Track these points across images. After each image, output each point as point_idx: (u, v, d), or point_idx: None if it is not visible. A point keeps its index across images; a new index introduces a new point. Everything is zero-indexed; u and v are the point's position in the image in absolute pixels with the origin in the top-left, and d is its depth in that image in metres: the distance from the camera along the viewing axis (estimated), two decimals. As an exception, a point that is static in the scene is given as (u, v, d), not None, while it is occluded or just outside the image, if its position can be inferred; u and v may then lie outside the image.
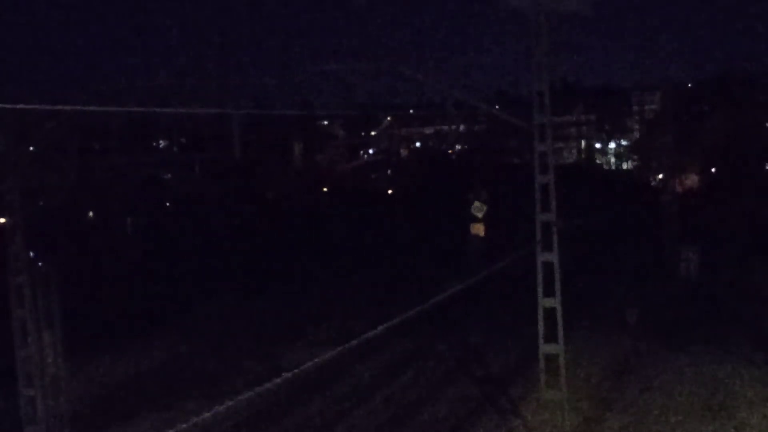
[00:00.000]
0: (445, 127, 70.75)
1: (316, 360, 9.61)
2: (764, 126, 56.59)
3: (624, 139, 79.54)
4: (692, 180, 57.78)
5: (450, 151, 68.34)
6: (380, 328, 10.07)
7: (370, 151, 75.25)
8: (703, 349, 22.93)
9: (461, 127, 67.13)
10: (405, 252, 39.59)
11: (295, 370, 8.56)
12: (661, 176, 48.01)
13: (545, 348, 16.50)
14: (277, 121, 50.67)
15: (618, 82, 76.62)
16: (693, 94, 61.95)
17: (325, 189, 56.21)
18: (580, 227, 33.54)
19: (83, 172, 38.57)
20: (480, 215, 32.72)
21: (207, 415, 7.50)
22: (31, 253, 17.52)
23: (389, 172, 65.60)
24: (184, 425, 7.32)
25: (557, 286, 16.19)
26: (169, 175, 51.45)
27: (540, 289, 16.35)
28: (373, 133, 76.66)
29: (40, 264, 18.03)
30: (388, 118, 72.65)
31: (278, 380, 8.27)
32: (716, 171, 55.58)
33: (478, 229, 33.14)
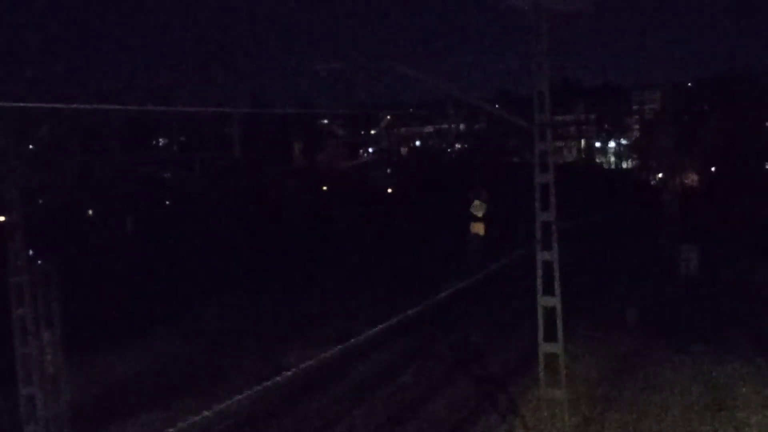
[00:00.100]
0: (445, 126, 70.76)
1: (317, 359, 9.61)
2: (764, 125, 56.60)
3: (624, 139, 79.59)
4: (692, 179, 57.77)
5: (449, 150, 68.35)
6: (380, 327, 10.06)
7: (370, 150, 75.25)
8: (702, 349, 22.93)
9: (461, 126, 67.13)
10: (405, 251, 39.59)
11: (296, 369, 8.55)
12: (661, 175, 48.02)
13: (545, 347, 16.48)
14: (277, 121, 50.68)
15: (618, 82, 76.65)
16: (693, 93, 61.96)
17: (324, 188, 56.20)
18: (580, 226, 33.54)
19: (83, 170, 38.57)
20: (480, 214, 32.72)
21: (207, 413, 7.50)
22: (31, 252, 17.51)
23: (389, 171, 65.60)
24: (184, 424, 7.32)
25: (557, 285, 16.18)
26: (169, 174, 51.44)
27: (540, 289, 16.34)
28: (372, 132, 76.66)
29: (39, 263, 18.02)
30: (388, 117, 72.67)
31: (278, 379, 8.27)
32: (716, 170, 55.59)
33: (478, 228, 33.15)
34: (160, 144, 56.28)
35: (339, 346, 9.51)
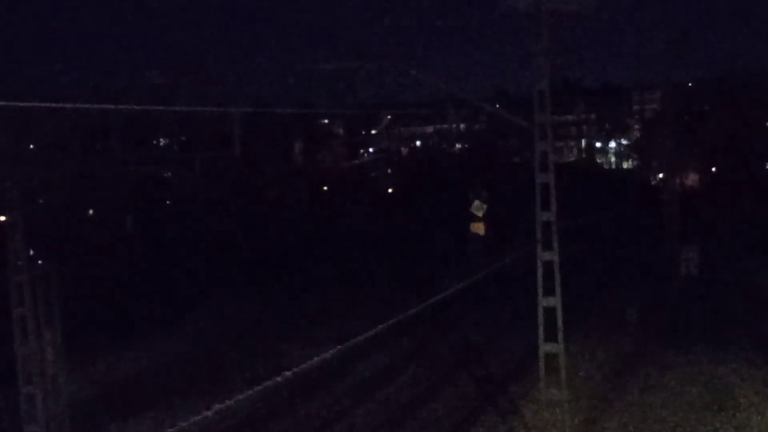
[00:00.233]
0: (446, 126, 70.72)
1: (317, 359, 9.62)
2: (764, 126, 56.55)
3: (624, 139, 79.57)
4: (692, 179, 57.76)
5: (450, 150, 68.33)
6: (380, 327, 10.07)
7: (371, 150, 75.22)
8: (703, 349, 22.94)
9: (461, 126, 67.08)
10: (405, 251, 39.58)
11: (296, 369, 8.56)
12: (661, 175, 48.00)
13: (545, 347, 16.48)
14: (278, 120, 50.62)
15: (618, 82, 76.62)
16: (693, 93, 61.91)
17: (325, 188, 56.17)
18: (581, 226, 33.49)
19: (83, 170, 38.55)
20: (480, 214, 32.64)
21: (208, 413, 7.50)
22: (31, 252, 17.51)
23: (389, 171, 65.56)
24: (185, 423, 7.32)
25: (557, 285, 16.18)
26: (169, 174, 51.39)
27: (540, 289, 16.33)
28: (373, 132, 76.62)
29: (40, 262, 18.03)
30: (389, 117, 72.61)
31: (279, 379, 8.27)
32: (716, 170, 55.58)
33: (479, 228, 33.06)
34: (161, 144, 56.21)
35: (339, 346, 9.52)
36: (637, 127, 75.36)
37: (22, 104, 14.88)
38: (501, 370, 22.58)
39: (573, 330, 21.70)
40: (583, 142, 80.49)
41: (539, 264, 16.25)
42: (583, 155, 79.03)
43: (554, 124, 17.54)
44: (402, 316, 10.53)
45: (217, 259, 37.30)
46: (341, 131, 72.75)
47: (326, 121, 69.09)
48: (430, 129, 76.72)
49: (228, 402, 7.84)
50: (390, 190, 59.05)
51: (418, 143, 78.00)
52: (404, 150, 76.01)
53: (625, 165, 78.72)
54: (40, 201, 33.77)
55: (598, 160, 79.91)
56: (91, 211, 41.81)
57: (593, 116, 79.05)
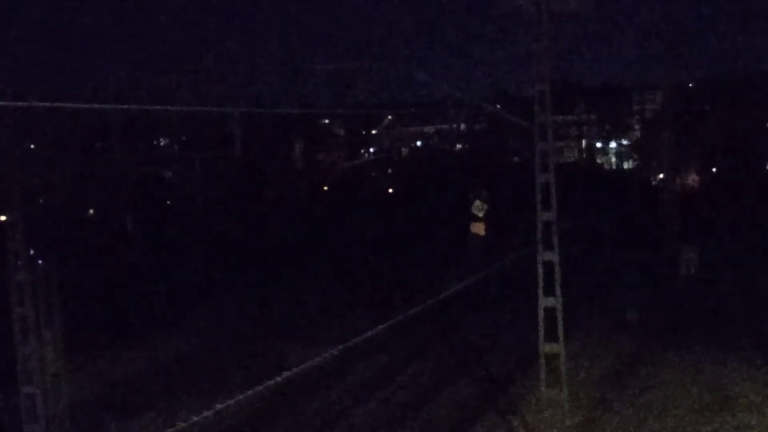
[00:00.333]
0: (446, 126, 70.75)
1: (317, 359, 9.62)
2: (765, 126, 56.55)
3: (625, 139, 79.56)
4: (693, 179, 57.76)
5: (450, 151, 68.33)
6: (380, 327, 10.07)
7: (371, 150, 75.19)
8: (703, 349, 22.93)
9: (462, 126, 67.08)
10: (405, 251, 39.57)
11: (296, 369, 8.55)
12: (661, 176, 48.02)
13: (545, 347, 16.48)
14: (278, 120, 50.62)
15: (619, 82, 76.65)
16: (694, 93, 61.91)
17: (325, 188, 56.17)
18: (581, 226, 33.51)
19: (83, 170, 38.56)
20: (480, 214, 32.62)
21: (208, 413, 7.50)
22: (32, 252, 17.51)
23: (390, 171, 65.55)
24: (185, 423, 7.32)
25: (557, 285, 16.18)
26: (170, 174, 51.38)
27: (540, 289, 16.33)
28: (374, 132, 76.59)
29: (40, 262, 18.03)
30: (389, 117, 72.59)
31: (279, 379, 8.27)
32: (717, 170, 55.58)
33: (479, 229, 33.02)
34: (161, 144, 56.20)
35: (339, 346, 9.52)
36: (637, 127, 75.39)
37: (22, 104, 14.89)
38: (501, 370, 22.57)
39: (573, 330, 21.70)
40: (584, 142, 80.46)
41: (539, 264, 16.26)
42: (584, 155, 79.00)
43: (554, 124, 17.55)
44: (402, 316, 10.53)
45: (217, 259, 37.29)
46: (342, 131, 72.71)
47: (327, 121, 69.06)
48: (430, 129, 76.71)
49: (229, 402, 7.84)
50: (390, 190, 59.05)
51: (418, 143, 77.98)
52: (405, 150, 75.98)
53: (625, 165, 78.72)
54: (41, 201, 33.79)
55: (599, 161, 79.90)
56: (91, 211, 41.82)
57: (593, 116, 79.03)
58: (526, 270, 17.84)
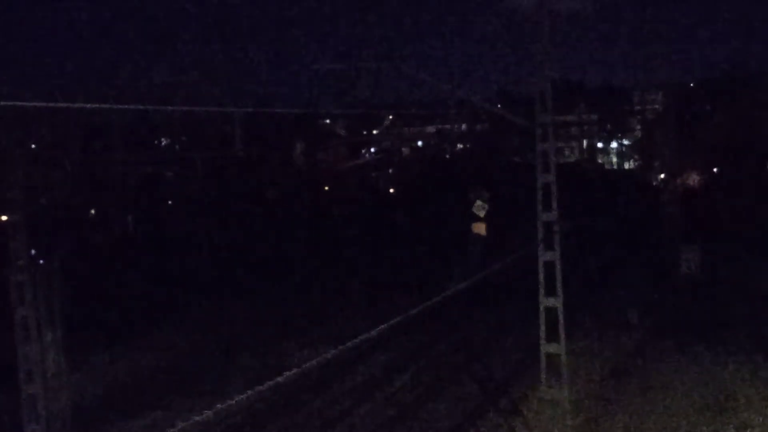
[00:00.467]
0: (447, 127, 70.76)
1: (317, 359, 9.61)
2: (766, 125, 56.52)
3: (626, 139, 79.59)
4: (694, 179, 57.73)
5: (451, 151, 68.36)
6: (381, 327, 10.05)
7: (372, 150, 75.22)
8: (704, 349, 22.89)
9: (463, 127, 67.10)
10: (406, 251, 39.57)
11: (296, 369, 8.54)
12: (662, 176, 47.99)
13: (547, 347, 16.48)
14: (279, 120, 50.65)
15: (620, 82, 76.77)
16: (695, 93, 61.91)
17: (326, 188, 56.20)
18: (582, 227, 33.48)
19: (85, 170, 38.59)
20: (482, 214, 32.57)
21: (208, 413, 7.49)
22: (33, 252, 17.52)
23: (391, 171, 65.60)
24: (185, 423, 7.31)
25: (559, 285, 16.17)
26: (171, 174, 51.41)
27: (541, 289, 16.33)
28: (374, 132, 76.62)
29: (41, 262, 18.04)
30: (390, 117, 72.62)
31: (279, 379, 8.25)
32: (718, 170, 55.55)
33: (480, 229, 32.96)
34: (162, 144, 56.22)
35: (340, 346, 9.50)
36: (638, 127, 75.39)
37: (22, 104, 14.90)
38: (502, 370, 22.57)
39: (574, 330, 21.74)
40: (585, 142, 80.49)
41: (541, 264, 16.25)
42: (585, 156, 79.04)
43: (556, 124, 17.54)
44: (403, 316, 10.50)
45: (218, 259, 37.30)
46: (342, 131, 72.78)
47: (327, 121, 69.12)
48: (431, 129, 76.73)
49: (229, 402, 7.82)
50: (391, 191, 59.09)
51: (419, 143, 78.01)
52: (405, 150, 76.02)
53: (626, 165, 78.74)
54: (42, 201, 33.81)
55: (600, 161, 79.93)
56: (92, 211, 41.86)
57: (594, 116, 79.06)
58: (527, 270, 17.82)
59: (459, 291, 13.11)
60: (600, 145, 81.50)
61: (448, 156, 67.20)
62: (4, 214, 16.88)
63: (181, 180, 47.55)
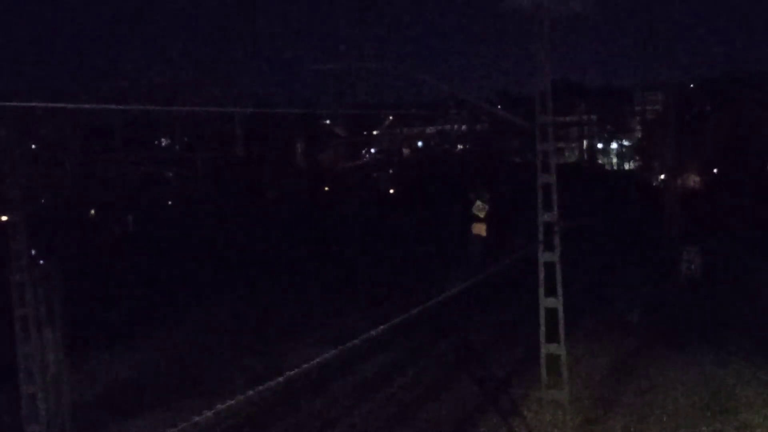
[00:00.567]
0: (447, 127, 70.83)
1: (318, 359, 9.60)
2: (766, 125, 56.55)
3: (626, 139, 79.59)
4: (694, 180, 57.76)
5: (451, 151, 68.39)
6: (381, 327, 10.05)
7: (372, 151, 75.24)
8: (704, 350, 22.89)
9: (463, 127, 67.16)
10: (406, 251, 39.57)
11: (297, 369, 8.54)
12: (663, 176, 48.00)
13: (547, 348, 16.47)
14: (279, 120, 50.69)
15: (620, 83, 76.84)
16: (695, 94, 61.93)
17: (326, 188, 56.24)
18: (582, 227, 33.45)
19: (85, 170, 38.62)
20: (482, 215, 32.57)
21: (208, 413, 7.49)
22: (33, 252, 17.51)
23: (391, 171, 65.61)
24: (186, 424, 7.31)
25: (559, 286, 16.16)
26: (171, 174, 51.45)
27: (542, 289, 16.32)
28: (375, 133, 76.63)
29: (41, 262, 18.03)
30: (390, 118, 72.63)
31: (279, 379, 8.25)
32: (718, 171, 55.57)
33: (480, 229, 32.97)
34: (162, 144, 56.28)
35: (340, 346, 9.51)
36: (638, 128, 75.42)
37: (22, 104, 14.90)
38: (502, 370, 22.56)
39: (574, 331, 21.72)
40: (585, 143, 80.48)
41: (541, 265, 16.25)
42: (585, 156, 79.04)
43: (556, 124, 17.54)
44: (403, 316, 10.51)
45: (218, 259, 37.29)
46: (343, 132, 72.81)
47: (328, 121, 69.14)
48: (431, 129, 76.78)
49: (229, 402, 7.82)
50: (391, 191, 59.10)
51: (419, 144, 78.04)
52: (406, 150, 76.05)
53: (626, 166, 78.74)
54: (42, 201, 33.83)
55: (600, 161, 79.93)
56: (92, 211, 41.87)
57: (595, 117, 79.07)
58: (527, 271, 17.82)
59: (459, 291, 13.11)
60: (600, 145, 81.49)
61: (448, 156, 67.20)
62: (4, 214, 16.87)
63: (181, 180, 47.58)
